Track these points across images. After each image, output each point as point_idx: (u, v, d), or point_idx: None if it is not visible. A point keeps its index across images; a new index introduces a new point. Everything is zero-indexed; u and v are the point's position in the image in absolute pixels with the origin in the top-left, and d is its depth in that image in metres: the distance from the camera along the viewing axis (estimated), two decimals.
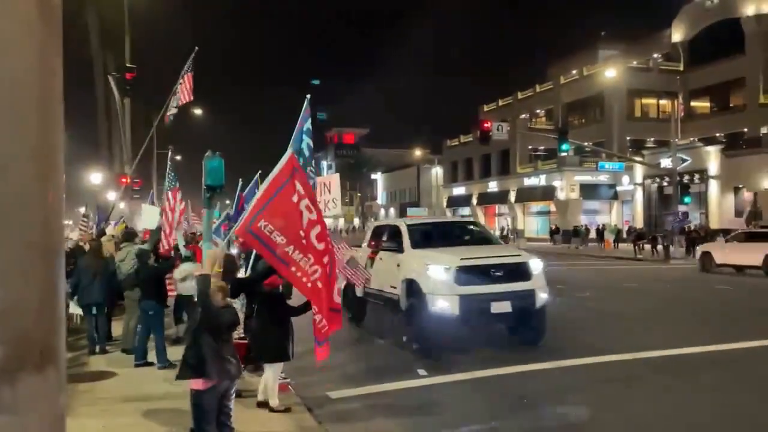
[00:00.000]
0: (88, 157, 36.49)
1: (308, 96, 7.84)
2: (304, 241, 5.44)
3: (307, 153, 7.64)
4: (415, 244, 10.91)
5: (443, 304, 9.37)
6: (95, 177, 37.16)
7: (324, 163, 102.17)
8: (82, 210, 24.50)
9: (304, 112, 7.69)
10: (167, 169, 13.32)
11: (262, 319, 6.99)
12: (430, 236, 11.71)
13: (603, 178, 49.06)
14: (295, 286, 5.93)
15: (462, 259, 9.72)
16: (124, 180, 26.43)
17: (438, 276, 9.58)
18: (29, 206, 1.91)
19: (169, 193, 12.32)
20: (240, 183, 11.23)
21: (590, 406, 7.20)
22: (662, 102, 51.31)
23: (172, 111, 18.87)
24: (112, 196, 27.64)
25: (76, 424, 6.31)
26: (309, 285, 5.47)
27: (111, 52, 26.73)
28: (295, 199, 5.45)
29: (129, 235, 11.17)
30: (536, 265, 10.14)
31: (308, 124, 7.68)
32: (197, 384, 5.01)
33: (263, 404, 6.83)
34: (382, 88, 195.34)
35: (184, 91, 17.60)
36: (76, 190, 37.12)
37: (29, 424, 1.78)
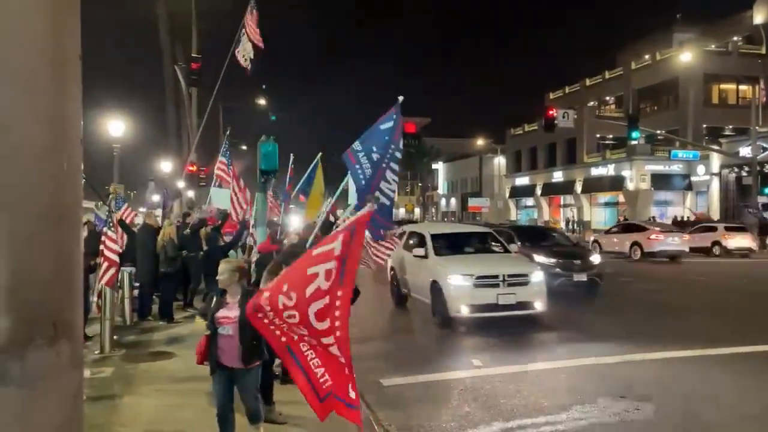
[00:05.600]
0: (158, 145, 37.71)
1: (400, 98, 6.85)
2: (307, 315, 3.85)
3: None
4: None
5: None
6: (165, 165, 38.39)
7: None
8: (156, 197, 25.49)
9: (392, 117, 6.81)
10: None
11: None
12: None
13: (676, 167, 46.89)
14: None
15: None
16: (191, 168, 27.08)
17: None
18: (39, 173, 1.80)
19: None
20: (291, 158, 11.06)
21: (649, 401, 6.82)
22: (742, 87, 48.53)
23: (242, 58, 16.35)
24: (180, 183, 28.40)
25: (133, 402, 6.50)
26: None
27: (180, 42, 27.36)
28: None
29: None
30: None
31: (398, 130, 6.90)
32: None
33: None
34: (446, 76, 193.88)
35: (251, 33, 15.77)
36: (146, 177, 38.54)
37: (39, 400, 1.68)
